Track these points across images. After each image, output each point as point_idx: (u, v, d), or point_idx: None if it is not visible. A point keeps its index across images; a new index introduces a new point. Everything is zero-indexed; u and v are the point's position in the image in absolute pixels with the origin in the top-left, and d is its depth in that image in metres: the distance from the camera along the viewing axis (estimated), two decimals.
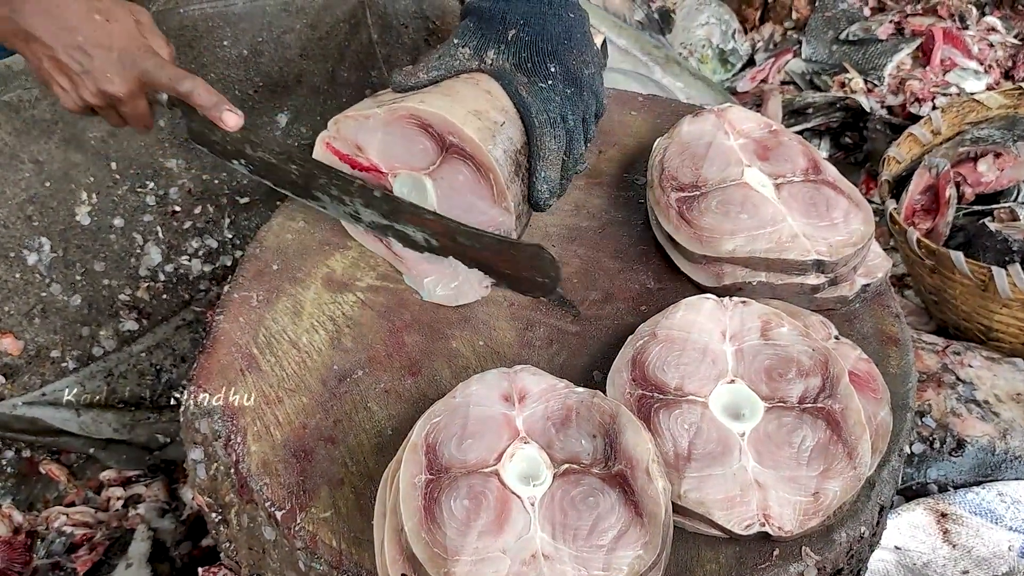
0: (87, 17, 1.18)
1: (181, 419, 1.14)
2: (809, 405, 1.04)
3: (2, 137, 1.52)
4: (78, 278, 1.63)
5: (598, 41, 1.35)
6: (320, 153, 1.25)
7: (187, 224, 1.68)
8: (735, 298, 1.14)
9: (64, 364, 1.66)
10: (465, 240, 1.20)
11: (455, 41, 1.26)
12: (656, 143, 1.34)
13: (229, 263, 1.73)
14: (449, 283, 1.23)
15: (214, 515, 1.14)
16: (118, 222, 1.63)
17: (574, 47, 1.26)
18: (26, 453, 1.76)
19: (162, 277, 1.69)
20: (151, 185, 1.64)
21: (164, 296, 1.70)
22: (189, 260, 1.70)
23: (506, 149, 1.18)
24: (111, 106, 1.24)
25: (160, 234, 1.67)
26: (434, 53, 1.26)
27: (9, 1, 1.18)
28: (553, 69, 1.23)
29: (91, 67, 1.19)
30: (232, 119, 1.22)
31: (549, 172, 1.21)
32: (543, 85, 1.23)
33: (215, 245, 1.72)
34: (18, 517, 1.67)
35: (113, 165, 1.60)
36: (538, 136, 1.20)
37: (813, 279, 1.19)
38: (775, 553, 0.98)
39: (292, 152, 1.25)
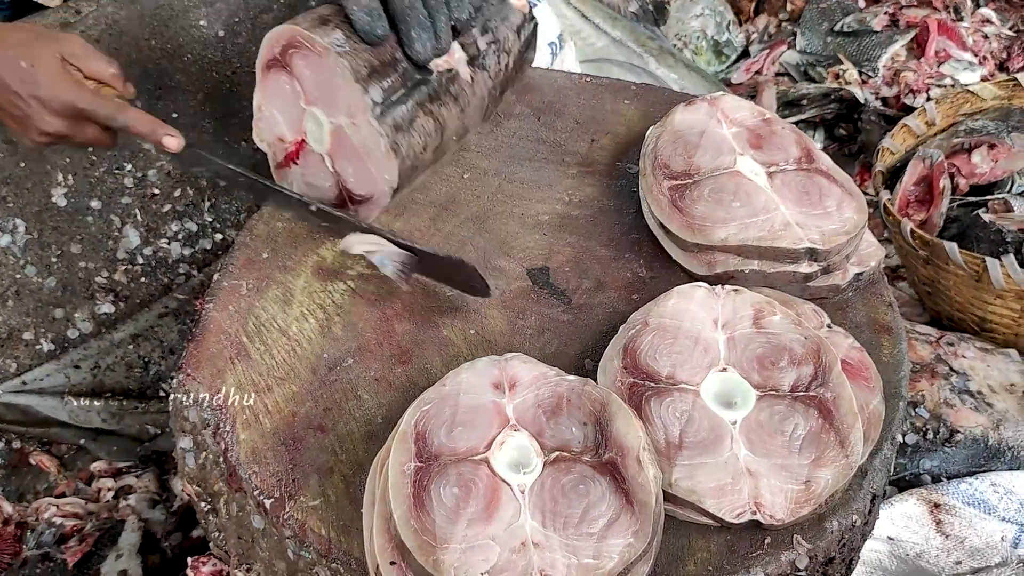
0: (14, 65, 1.21)
1: (170, 408, 1.14)
2: (801, 393, 1.03)
3: None
4: (53, 260, 1.61)
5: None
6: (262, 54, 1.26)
7: (166, 207, 1.67)
8: (727, 286, 1.14)
9: (38, 347, 1.64)
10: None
11: None
12: (649, 131, 1.33)
13: (209, 246, 1.72)
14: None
15: (203, 504, 1.14)
16: (95, 204, 1.61)
17: None
18: (16, 444, 1.76)
19: (140, 260, 1.67)
20: (129, 167, 1.62)
21: (142, 279, 1.68)
22: (168, 243, 1.68)
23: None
24: (63, 138, 1.27)
25: (138, 216, 1.65)
26: None
27: None
28: None
29: (29, 112, 1.23)
30: (172, 143, 1.25)
31: (360, 17, 1.18)
32: None
33: (194, 228, 1.70)
34: (8, 508, 1.67)
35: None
36: None
37: (806, 267, 1.18)
38: (766, 541, 0.98)
39: (239, 173, 1.28)
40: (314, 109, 1.23)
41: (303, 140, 1.27)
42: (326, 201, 1.28)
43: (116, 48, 1.57)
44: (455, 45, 1.26)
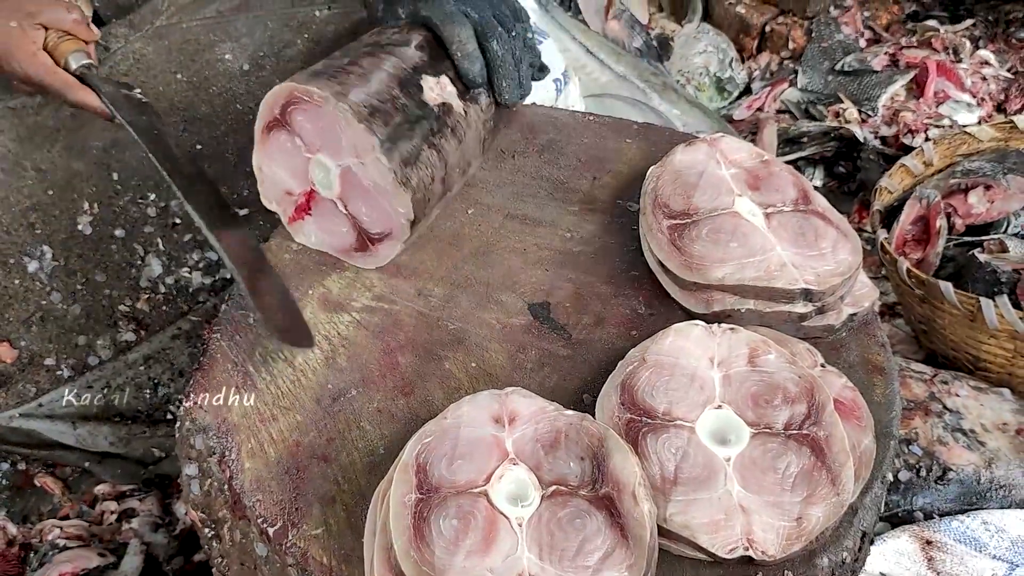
0: None
1: (176, 435, 1.16)
2: (794, 432, 1.05)
3: (5, 143, 1.53)
4: (79, 287, 1.64)
5: None
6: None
7: (187, 236, 1.70)
8: (724, 325, 1.16)
9: (59, 372, 1.66)
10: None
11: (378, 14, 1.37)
12: (649, 171, 1.36)
13: (228, 276, 1.75)
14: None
15: (207, 530, 1.15)
16: (119, 232, 1.64)
17: None
18: (21, 466, 1.77)
19: (162, 289, 1.70)
20: (152, 196, 1.65)
21: (164, 307, 1.71)
22: (189, 272, 1.71)
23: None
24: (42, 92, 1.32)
25: (160, 246, 1.68)
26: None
27: None
28: None
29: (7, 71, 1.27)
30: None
31: (465, 48, 1.30)
32: (435, 2, 1.32)
33: (215, 257, 1.73)
34: (12, 529, 1.68)
35: (115, 175, 1.61)
36: (442, 28, 1.30)
37: (801, 307, 1.21)
38: None
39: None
40: (320, 156, 1.25)
41: (312, 190, 1.29)
42: (346, 247, 1.31)
43: (144, 81, 1.60)
44: (444, 79, 1.30)
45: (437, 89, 1.29)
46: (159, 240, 1.67)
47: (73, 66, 1.28)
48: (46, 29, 1.27)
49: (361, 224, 1.28)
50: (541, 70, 1.41)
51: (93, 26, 1.31)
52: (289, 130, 1.25)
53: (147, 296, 1.68)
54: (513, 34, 1.35)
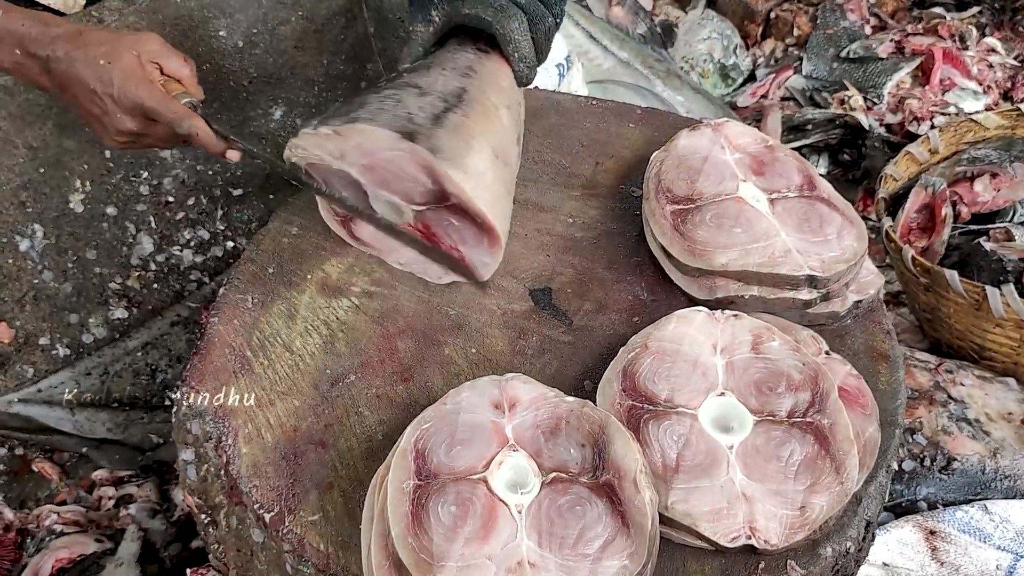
0: (94, 64, 1.23)
1: (173, 419, 1.15)
2: (798, 419, 1.04)
3: None
4: (70, 265, 1.63)
5: None
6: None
7: (180, 215, 1.68)
8: (727, 311, 1.15)
9: (54, 352, 1.65)
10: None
11: (409, 27, 1.33)
12: (653, 156, 1.35)
13: (220, 254, 1.73)
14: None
15: (203, 516, 1.14)
16: (111, 210, 1.63)
17: None
18: (19, 451, 1.77)
19: (153, 266, 1.69)
20: (145, 174, 1.64)
21: (155, 285, 1.70)
22: (181, 250, 1.70)
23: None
24: (139, 137, 1.28)
25: (152, 224, 1.67)
26: (404, 48, 1.33)
27: (42, 59, 1.24)
28: None
29: (106, 109, 1.25)
30: (235, 156, 1.27)
31: (522, 51, 1.29)
32: None
33: (207, 236, 1.72)
34: (9, 514, 1.68)
35: (107, 153, 1.60)
36: (496, 26, 1.27)
37: (805, 294, 1.19)
38: (760, 566, 0.98)
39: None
40: (406, 211, 1.22)
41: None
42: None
43: None
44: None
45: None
46: (151, 218, 1.66)
47: (182, 101, 1.28)
48: (161, 73, 1.28)
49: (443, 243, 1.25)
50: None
51: (199, 87, 1.32)
52: (429, 193, 1.19)
53: (138, 274, 1.67)
54: (555, 17, 1.32)
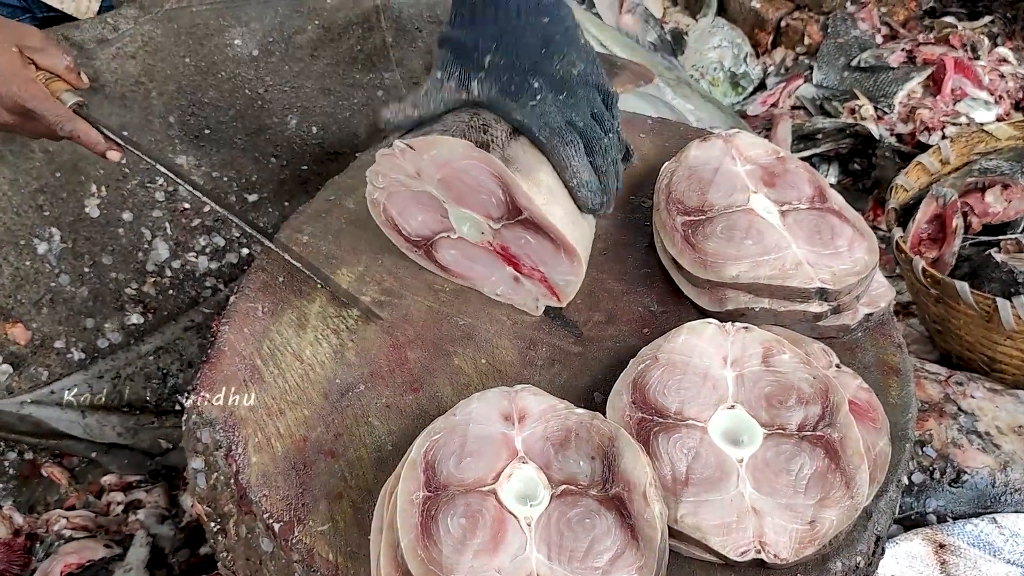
0: None
1: (183, 428, 1.15)
2: (808, 433, 1.04)
3: None
4: (86, 270, 1.64)
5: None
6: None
7: (195, 221, 1.69)
8: (737, 324, 1.15)
9: (69, 355, 1.66)
10: None
11: (439, 75, 1.22)
12: (663, 167, 1.35)
13: (235, 261, 1.74)
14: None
15: (213, 524, 1.15)
16: (127, 216, 1.64)
17: (554, 53, 1.21)
18: (28, 455, 1.77)
19: (169, 273, 1.69)
20: (160, 181, 1.65)
21: (170, 292, 1.71)
22: (196, 257, 1.71)
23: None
24: (14, 129, 1.30)
25: (168, 230, 1.68)
26: (421, 88, 1.23)
27: None
28: (536, 84, 1.19)
29: None
30: (115, 155, 1.29)
31: (581, 177, 1.18)
32: (533, 103, 1.19)
33: (222, 243, 1.72)
34: (18, 519, 1.68)
35: (123, 159, 1.62)
36: (550, 150, 1.18)
37: (816, 307, 1.19)
38: None
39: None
40: (485, 226, 1.22)
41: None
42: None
43: (152, 64, 1.59)
44: None
45: None
46: (167, 224, 1.67)
47: (68, 102, 1.29)
48: (37, 68, 1.28)
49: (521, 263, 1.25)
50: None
51: (84, 74, 1.32)
52: (504, 207, 1.19)
53: (153, 280, 1.68)
54: (610, 135, 1.22)
